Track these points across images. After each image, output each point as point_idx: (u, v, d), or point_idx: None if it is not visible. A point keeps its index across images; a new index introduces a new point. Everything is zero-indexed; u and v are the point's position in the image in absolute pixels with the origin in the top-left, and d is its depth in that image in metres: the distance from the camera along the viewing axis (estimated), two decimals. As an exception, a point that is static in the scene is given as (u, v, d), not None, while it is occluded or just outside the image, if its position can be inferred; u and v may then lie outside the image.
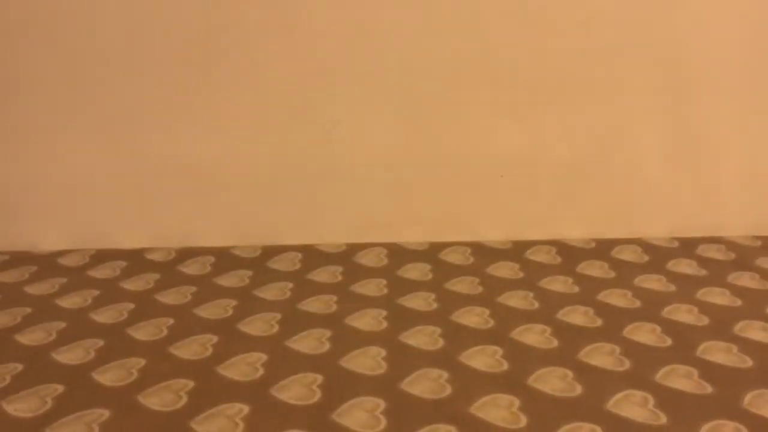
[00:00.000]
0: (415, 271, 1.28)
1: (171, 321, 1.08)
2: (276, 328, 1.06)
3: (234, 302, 1.15)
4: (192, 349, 1.00)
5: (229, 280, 1.25)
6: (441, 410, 0.85)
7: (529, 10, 1.32)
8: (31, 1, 1.26)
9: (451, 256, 1.35)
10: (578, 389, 0.90)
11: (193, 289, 1.21)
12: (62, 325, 1.07)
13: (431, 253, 1.36)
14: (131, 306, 1.14)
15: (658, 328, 1.06)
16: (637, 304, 1.15)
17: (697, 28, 1.35)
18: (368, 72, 1.33)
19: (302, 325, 1.07)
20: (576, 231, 1.44)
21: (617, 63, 1.35)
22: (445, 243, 1.40)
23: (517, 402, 0.87)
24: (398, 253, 1.37)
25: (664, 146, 1.40)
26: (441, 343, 1.01)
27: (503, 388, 0.89)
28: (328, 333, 1.04)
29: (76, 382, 0.91)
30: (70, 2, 1.27)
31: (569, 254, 1.36)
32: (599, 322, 1.08)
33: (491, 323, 1.08)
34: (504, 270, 1.29)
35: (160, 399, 0.87)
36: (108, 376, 0.93)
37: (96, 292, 1.19)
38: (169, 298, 1.17)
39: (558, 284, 1.23)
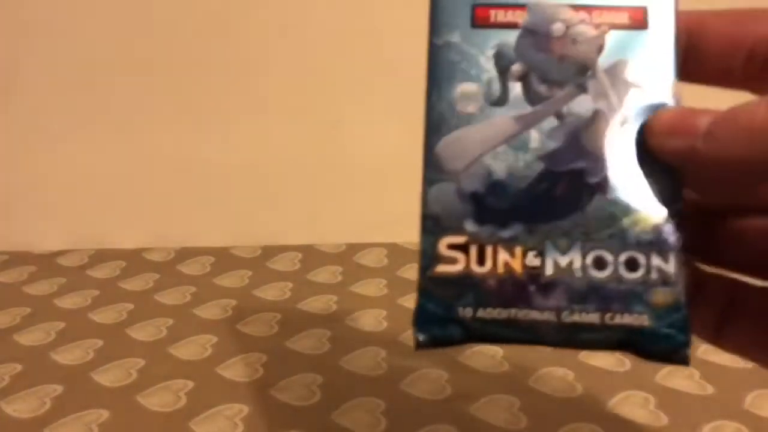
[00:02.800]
0: (416, 271, 1.27)
1: (170, 321, 1.08)
2: (276, 328, 1.06)
3: (234, 302, 1.15)
4: (191, 349, 1.00)
5: (228, 280, 1.25)
6: (441, 410, 0.85)
7: (530, 10, 1.32)
8: (31, 2, 1.26)
9: (452, 256, 1.35)
10: (578, 389, 0.89)
11: (193, 289, 1.21)
12: (61, 325, 1.07)
13: (431, 253, 1.36)
14: (131, 306, 1.14)
15: (659, 329, 1.05)
16: (638, 304, 1.14)
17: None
18: (368, 72, 1.33)
19: (302, 325, 1.07)
20: (576, 231, 1.44)
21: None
22: (446, 243, 1.40)
23: (517, 402, 0.86)
24: (398, 253, 1.36)
25: (664, 146, 1.40)
26: (441, 343, 1.01)
27: (504, 388, 0.89)
28: (328, 333, 1.04)
29: (76, 383, 0.91)
30: (69, 2, 1.27)
31: (569, 254, 1.36)
32: (600, 322, 1.08)
33: (491, 323, 1.07)
34: (504, 270, 1.28)
35: (160, 399, 0.87)
36: (107, 377, 0.92)
37: (95, 292, 1.19)
38: (169, 298, 1.17)
39: (558, 284, 1.22)
